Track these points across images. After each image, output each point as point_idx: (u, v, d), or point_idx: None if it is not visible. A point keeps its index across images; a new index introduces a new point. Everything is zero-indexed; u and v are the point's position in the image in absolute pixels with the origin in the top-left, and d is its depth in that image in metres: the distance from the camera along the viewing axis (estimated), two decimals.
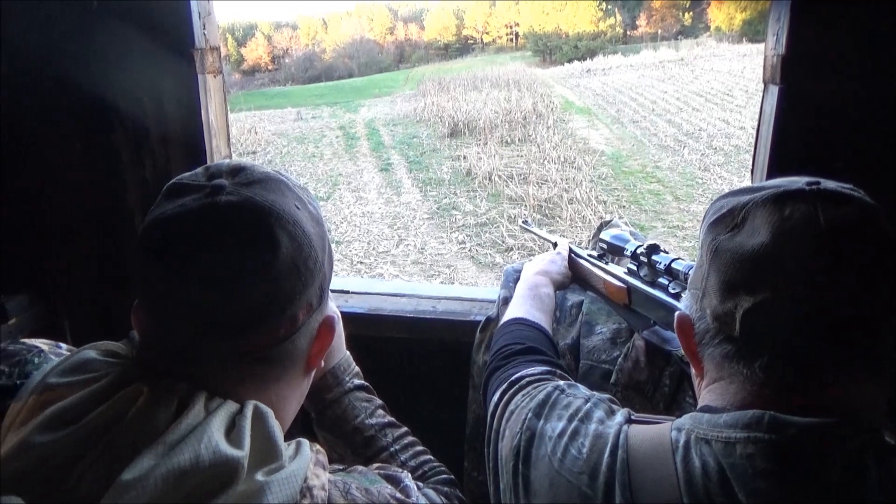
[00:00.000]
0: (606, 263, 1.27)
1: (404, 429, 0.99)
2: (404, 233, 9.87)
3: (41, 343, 0.79)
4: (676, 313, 0.78)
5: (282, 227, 0.68)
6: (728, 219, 0.70)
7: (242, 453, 0.60)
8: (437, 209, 10.79)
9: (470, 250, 8.97)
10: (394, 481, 0.76)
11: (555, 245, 1.43)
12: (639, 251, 1.15)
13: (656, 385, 1.18)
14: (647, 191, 11.37)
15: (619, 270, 1.22)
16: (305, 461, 0.66)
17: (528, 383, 0.87)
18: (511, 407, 0.84)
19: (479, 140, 15.26)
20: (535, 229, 1.63)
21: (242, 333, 0.67)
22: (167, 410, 0.62)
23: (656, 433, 0.70)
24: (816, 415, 0.62)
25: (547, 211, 10.17)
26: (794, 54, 1.18)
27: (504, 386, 0.89)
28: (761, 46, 1.42)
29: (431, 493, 0.81)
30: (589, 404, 0.78)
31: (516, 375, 0.89)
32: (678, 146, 14.18)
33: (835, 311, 0.62)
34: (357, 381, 1.01)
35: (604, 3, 59.17)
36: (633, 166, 13.02)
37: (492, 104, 19.26)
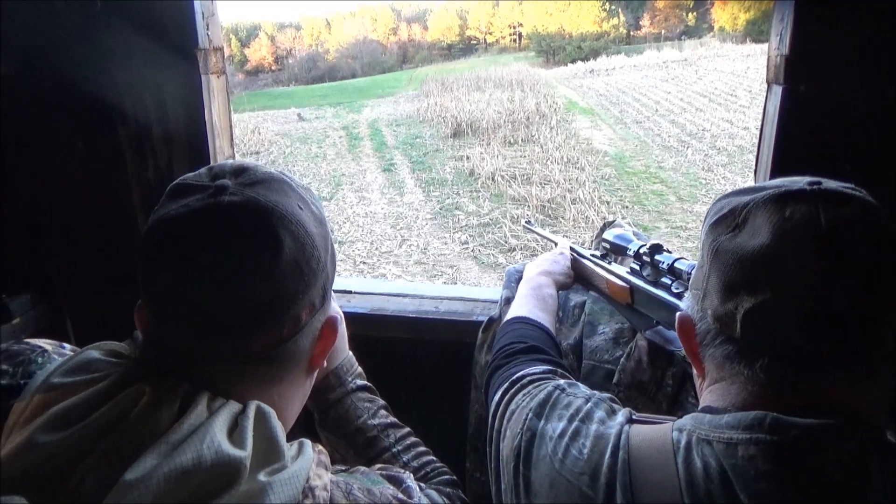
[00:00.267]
0: (609, 263, 1.27)
1: (407, 429, 0.99)
2: (407, 233, 9.87)
3: (44, 343, 0.79)
4: (677, 314, 0.77)
5: (285, 227, 0.68)
6: (729, 219, 0.70)
7: (245, 453, 0.60)
8: (440, 209, 10.78)
9: (473, 250, 8.96)
10: (396, 482, 0.76)
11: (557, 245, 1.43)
12: (642, 251, 1.15)
13: (659, 385, 1.18)
14: (651, 191, 11.34)
15: (622, 270, 1.22)
16: (308, 462, 0.66)
17: (530, 382, 0.87)
18: (512, 406, 0.84)
19: (483, 140, 15.25)
20: (539, 229, 1.63)
21: (245, 333, 0.67)
22: (170, 410, 0.62)
23: (657, 434, 0.70)
24: (818, 415, 0.62)
25: (550, 211, 10.16)
26: (797, 55, 1.18)
27: (505, 385, 0.89)
28: (765, 47, 1.42)
29: (433, 493, 0.81)
30: (590, 404, 0.78)
31: (517, 374, 0.89)
32: (682, 147, 14.15)
33: (836, 312, 0.62)
34: (360, 382, 1.01)
35: (607, 4, 59.17)
36: (637, 167, 12.99)
37: (495, 104, 19.27)
